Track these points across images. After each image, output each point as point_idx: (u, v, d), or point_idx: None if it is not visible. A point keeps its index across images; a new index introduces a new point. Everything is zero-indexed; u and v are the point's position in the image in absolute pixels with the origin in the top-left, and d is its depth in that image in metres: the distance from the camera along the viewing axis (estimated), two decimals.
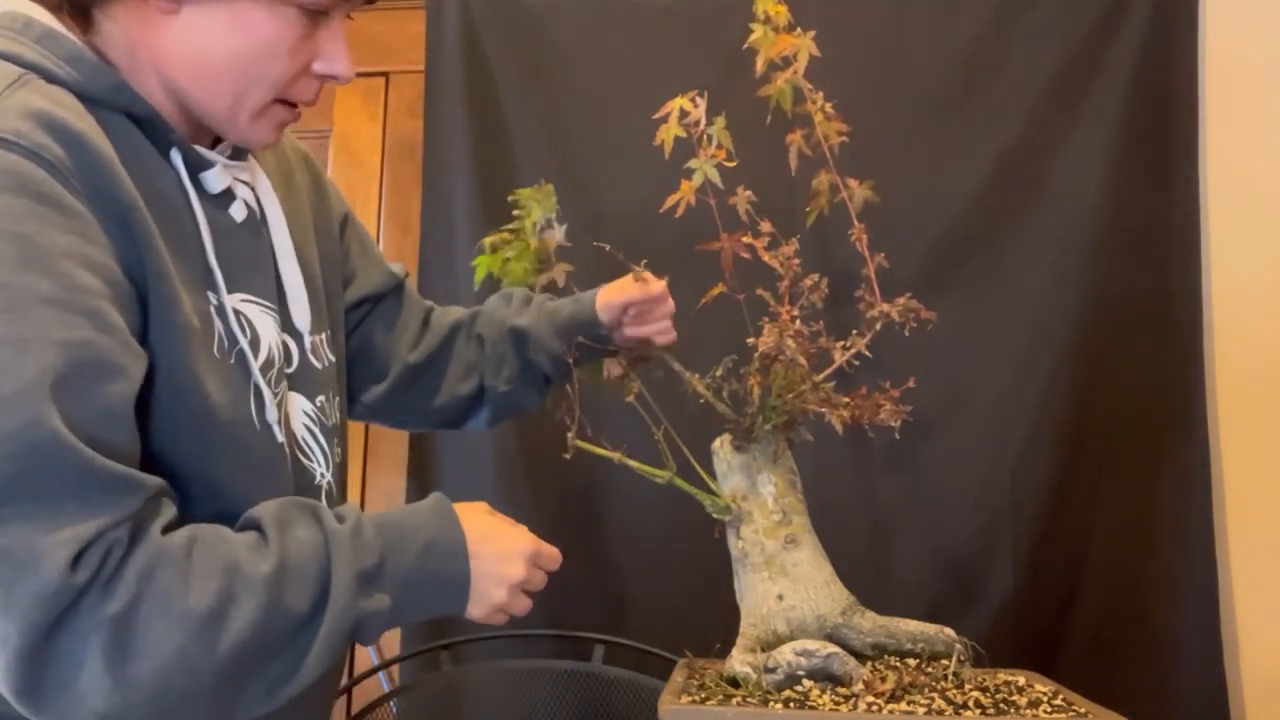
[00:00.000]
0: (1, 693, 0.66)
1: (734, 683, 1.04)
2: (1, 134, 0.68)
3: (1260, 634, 1.75)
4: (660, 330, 1.20)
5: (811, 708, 0.96)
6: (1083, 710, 0.98)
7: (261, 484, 0.83)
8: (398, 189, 2.17)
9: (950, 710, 0.95)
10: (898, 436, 1.21)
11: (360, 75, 2.37)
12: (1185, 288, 1.82)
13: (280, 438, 0.86)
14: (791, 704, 0.97)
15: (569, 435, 1.19)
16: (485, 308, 1.22)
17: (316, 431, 0.94)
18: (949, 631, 1.11)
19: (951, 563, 1.79)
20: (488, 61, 1.97)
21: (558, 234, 1.21)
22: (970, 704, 0.98)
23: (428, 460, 1.96)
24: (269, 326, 0.89)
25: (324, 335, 0.99)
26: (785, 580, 1.13)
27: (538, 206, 1.20)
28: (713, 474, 1.22)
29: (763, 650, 1.05)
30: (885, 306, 1.18)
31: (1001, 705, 0.99)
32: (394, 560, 0.80)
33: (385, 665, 1.85)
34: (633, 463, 1.19)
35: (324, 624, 0.74)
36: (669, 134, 1.21)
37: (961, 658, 1.07)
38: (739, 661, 1.05)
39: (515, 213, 1.21)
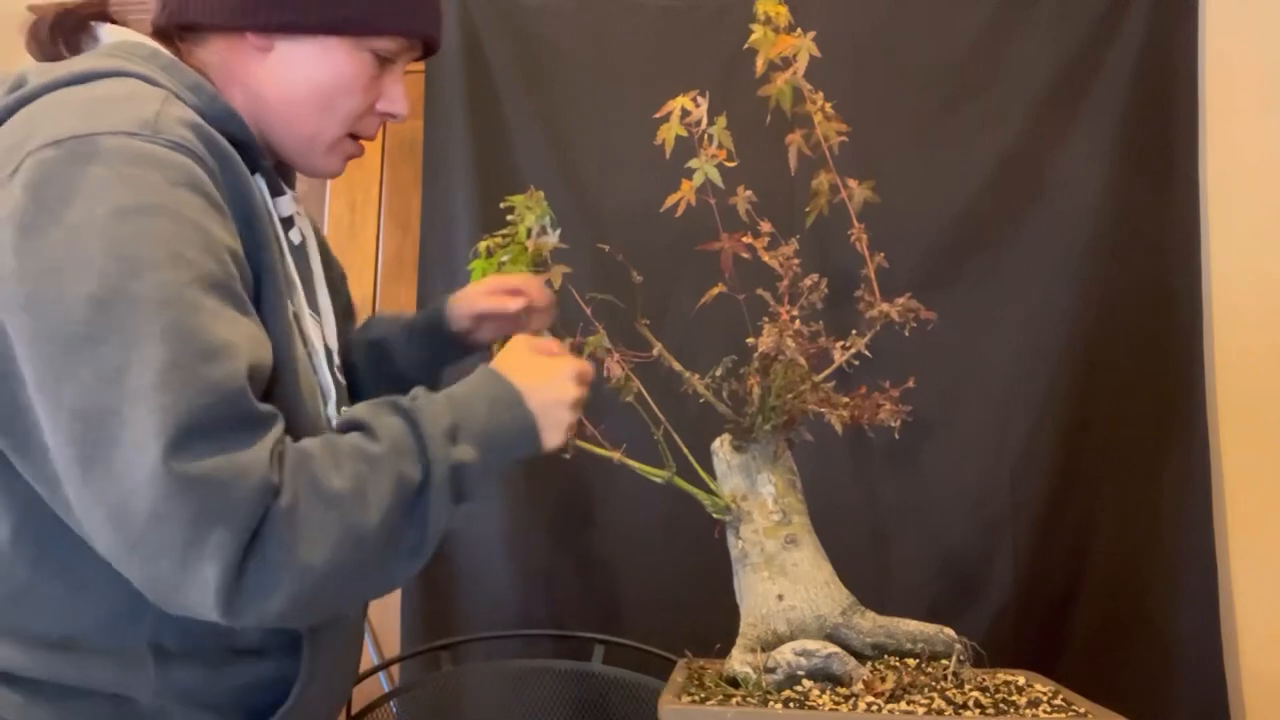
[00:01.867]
0: (207, 604, 0.73)
1: (734, 683, 1.05)
2: (173, 138, 0.78)
3: (1260, 634, 1.75)
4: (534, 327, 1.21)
5: (811, 708, 0.96)
6: (1083, 710, 0.98)
7: None
8: (398, 189, 2.17)
9: (950, 710, 0.95)
10: (897, 436, 1.21)
11: None
12: (1185, 287, 1.82)
13: None
14: (791, 704, 0.97)
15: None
16: (355, 331, 1.25)
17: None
18: (949, 631, 1.11)
19: (951, 563, 1.78)
20: (488, 61, 1.97)
21: (552, 238, 1.21)
22: (970, 704, 0.98)
23: None
24: (331, 333, 1.00)
25: (337, 357, 1.06)
26: (785, 580, 1.13)
27: (530, 213, 1.20)
28: (713, 474, 1.22)
29: (763, 650, 1.05)
30: (885, 306, 1.18)
31: (1001, 705, 0.99)
32: (466, 420, 0.87)
33: (385, 665, 1.85)
34: (633, 463, 1.20)
35: (432, 484, 0.82)
36: (670, 134, 1.21)
37: (961, 658, 1.07)
38: (739, 661, 1.05)
39: (509, 218, 1.22)
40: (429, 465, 0.83)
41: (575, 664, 1.73)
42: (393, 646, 1.95)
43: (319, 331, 0.98)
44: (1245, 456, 1.79)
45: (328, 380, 0.94)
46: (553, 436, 0.94)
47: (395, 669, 1.87)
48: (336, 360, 1.03)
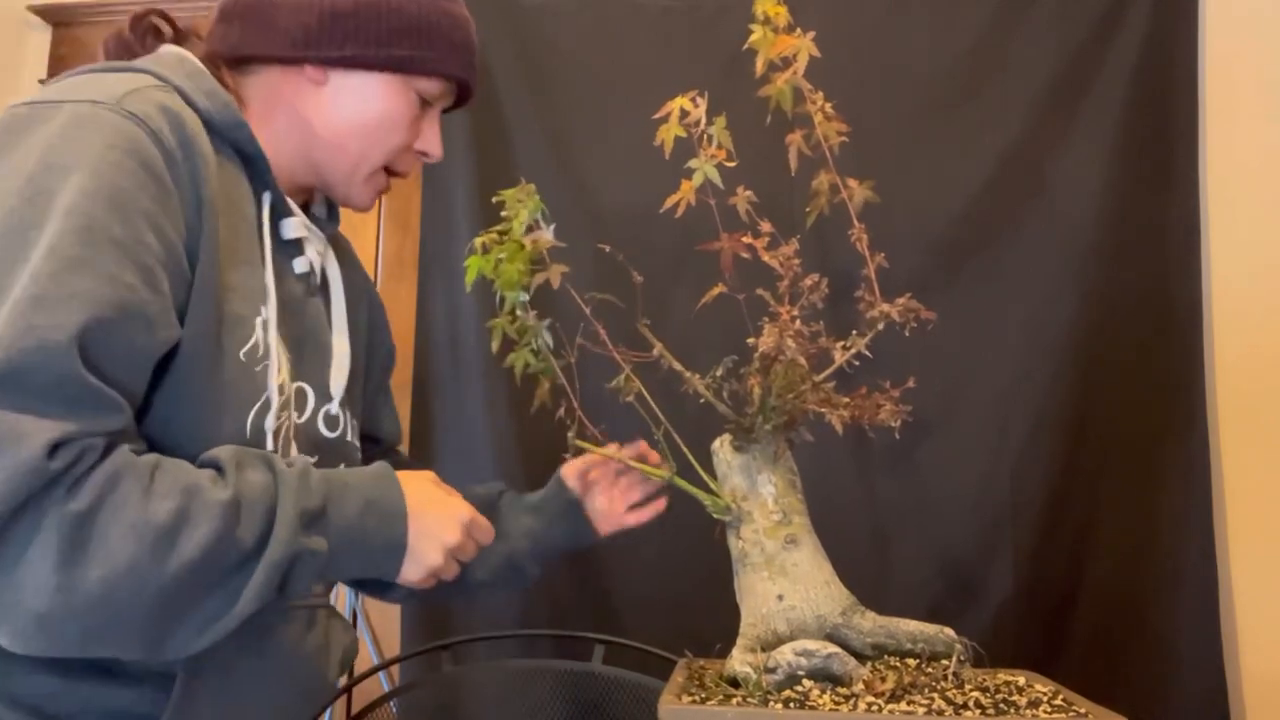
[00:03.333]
0: None
1: (734, 683, 1.04)
2: (133, 111, 0.80)
3: (1260, 634, 1.75)
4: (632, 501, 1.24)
5: (811, 708, 0.96)
6: (1083, 710, 0.98)
7: None
8: (398, 189, 2.15)
9: (950, 710, 0.95)
10: (898, 436, 1.21)
11: None
12: (1185, 288, 1.82)
13: (270, 443, 0.89)
14: (791, 704, 0.97)
15: (569, 435, 1.19)
16: None
17: (269, 434, 0.93)
18: (949, 631, 1.11)
19: (951, 563, 1.78)
20: (488, 62, 1.97)
21: (547, 234, 1.20)
22: (970, 704, 0.98)
23: (428, 462, 1.96)
24: (284, 365, 0.94)
25: (349, 415, 1.04)
26: (785, 580, 1.13)
27: (523, 207, 1.20)
28: (713, 474, 1.22)
29: (763, 650, 1.05)
30: (885, 306, 1.18)
31: (1001, 705, 0.99)
32: (335, 509, 0.84)
33: (385, 665, 1.85)
34: (633, 463, 1.19)
35: (265, 557, 0.76)
36: (669, 134, 1.20)
37: (961, 658, 1.07)
38: (739, 661, 1.05)
39: (503, 214, 1.21)
40: (266, 541, 0.77)
41: (575, 664, 1.73)
42: (393, 646, 1.95)
43: (289, 367, 0.94)
44: (1245, 456, 1.79)
45: (273, 392, 0.89)
46: (413, 570, 0.90)
47: (395, 669, 1.87)
48: (342, 415, 1.01)
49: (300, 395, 0.96)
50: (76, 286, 0.72)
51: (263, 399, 0.88)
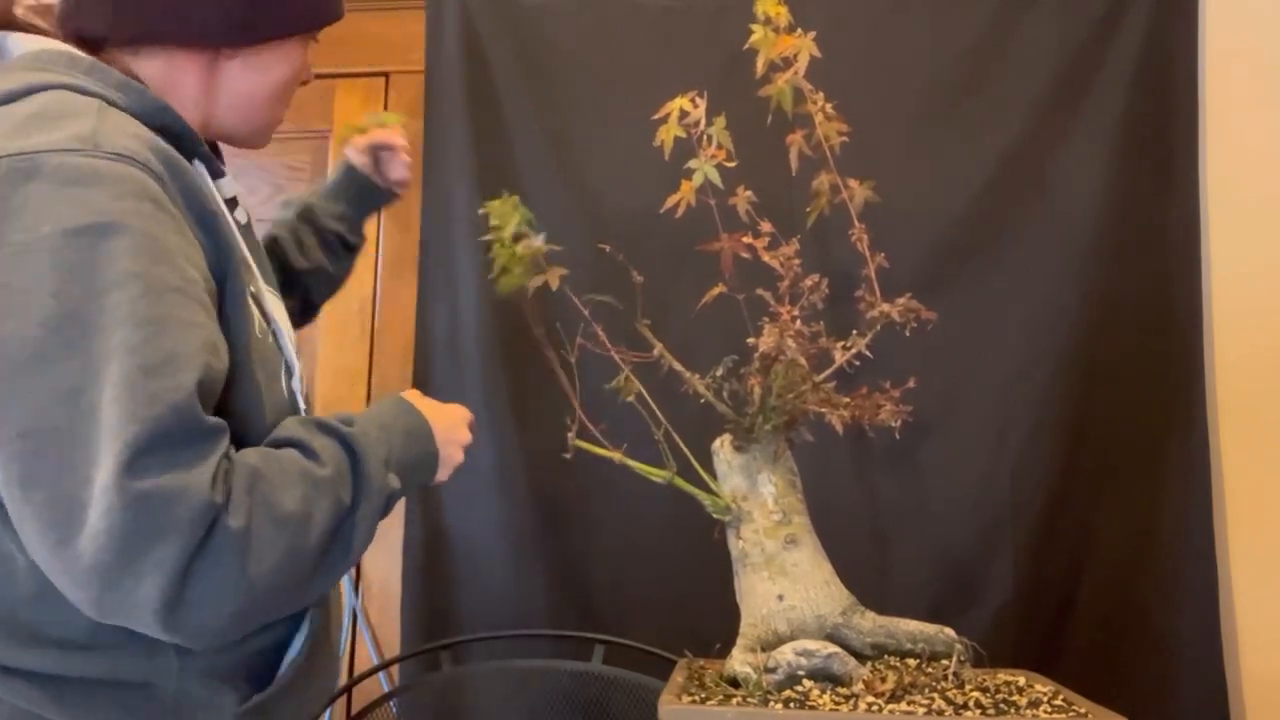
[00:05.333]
0: (145, 620, 0.74)
1: (734, 683, 1.04)
2: (118, 150, 0.79)
3: (1260, 634, 1.75)
4: (401, 166, 1.41)
5: (811, 708, 0.96)
6: (1083, 710, 0.98)
7: None
8: None
9: (950, 710, 0.95)
10: (898, 437, 1.21)
11: (360, 75, 2.37)
12: (1185, 288, 1.82)
13: (302, 405, 0.98)
14: (791, 704, 0.97)
15: (569, 435, 1.19)
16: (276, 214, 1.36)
17: (300, 396, 1.01)
18: (949, 631, 1.11)
19: (951, 563, 1.78)
20: (488, 61, 1.97)
21: (535, 241, 1.20)
22: (970, 704, 0.98)
23: None
24: (282, 309, 1.01)
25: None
26: (785, 580, 1.13)
27: (508, 220, 1.20)
28: (713, 474, 1.22)
29: (763, 650, 1.05)
30: (885, 306, 1.18)
31: (1001, 705, 0.99)
32: (393, 451, 0.94)
33: (385, 665, 1.85)
34: (633, 463, 1.19)
35: (362, 510, 0.87)
36: (669, 134, 1.21)
37: (961, 658, 1.07)
38: (739, 661, 1.05)
39: (492, 224, 1.22)
40: (364, 492, 0.87)
41: (575, 664, 1.73)
42: (393, 646, 1.95)
43: (282, 304, 1.02)
44: (1245, 456, 1.79)
45: (292, 355, 0.97)
46: (445, 471, 1.04)
47: (395, 669, 1.87)
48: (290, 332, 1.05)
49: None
50: (171, 346, 0.76)
51: (283, 365, 0.95)
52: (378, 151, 1.39)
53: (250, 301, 0.90)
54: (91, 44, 0.92)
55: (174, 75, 0.94)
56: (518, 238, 1.19)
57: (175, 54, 0.94)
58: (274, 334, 0.95)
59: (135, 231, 0.76)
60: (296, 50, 1.00)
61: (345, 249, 1.40)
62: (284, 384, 0.95)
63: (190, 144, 0.92)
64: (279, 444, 0.87)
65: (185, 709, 0.87)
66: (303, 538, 0.81)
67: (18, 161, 0.76)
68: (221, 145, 1.06)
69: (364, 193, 1.40)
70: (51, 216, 0.75)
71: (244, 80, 0.97)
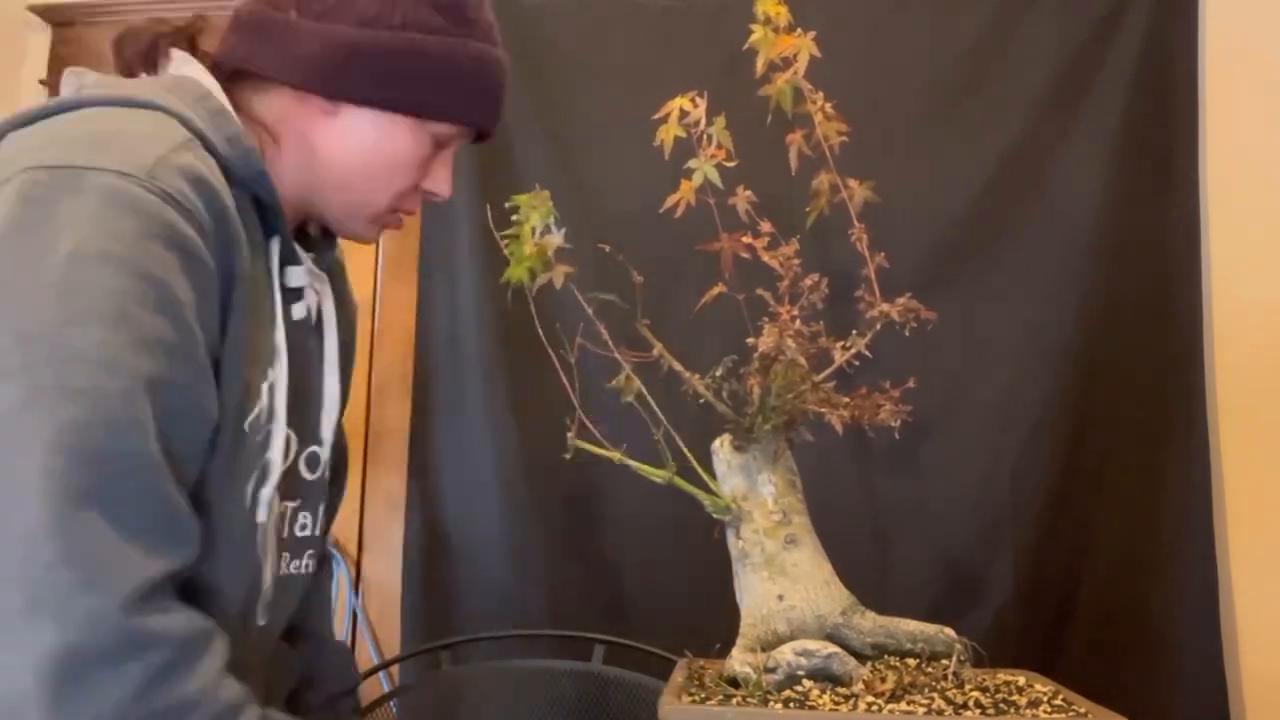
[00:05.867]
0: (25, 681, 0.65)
1: (734, 683, 1.04)
2: (166, 188, 0.74)
3: (1260, 634, 1.75)
4: None
5: (811, 708, 0.96)
6: (1083, 710, 0.98)
7: (228, 558, 0.84)
8: None
9: (950, 710, 0.95)
10: (897, 436, 1.21)
11: None
12: (1185, 288, 1.82)
13: (262, 518, 0.87)
14: (791, 704, 0.97)
15: (569, 435, 1.19)
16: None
17: (273, 534, 0.91)
18: (949, 631, 1.11)
19: (951, 563, 1.78)
20: None
21: (557, 238, 1.21)
22: (970, 704, 0.98)
23: (428, 461, 1.96)
24: (280, 416, 0.92)
25: (327, 451, 1.00)
26: (785, 580, 1.13)
27: (535, 212, 1.20)
28: (713, 474, 1.22)
29: (763, 650, 1.05)
30: (885, 306, 1.18)
31: (1001, 705, 0.99)
32: None
33: (385, 665, 1.85)
34: (633, 463, 1.19)
35: None
36: (669, 134, 1.21)
37: (961, 658, 1.07)
38: (739, 661, 1.05)
39: (514, 218, 1.21)
40: None
41: (575, 664, 1.73)
42: (393, 646, 1.95)
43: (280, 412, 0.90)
44: (1245, 456, 1.79)
45: (273, 461, 0.87)
46: None
47: (395, 669, 1.87)
48: (323, 454, 0.98)
49: (287, 442, 0.92)
50: (145, 402, 0.70)
51: (260, 467, 0.85)
52: None
53: (246, 386, 0.82)
54: (227, 73, 0.90)
55: (282, 120, 0.90)
56: (539, 233, 1.19)
57: (284, 96, 0.90)
58: (270, 433, 0.86)
59: (144, 275, 0.72)
60: (408, 135, 0.92)
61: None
62: (249, 487, 0.84)
63: (272, 218, 0.88)
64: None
65: None
66: None
67: (69, 176, 0.73)
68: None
69: None
70: (71, 235, 0.71)
71: (342, 144, 0.91)
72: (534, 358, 1.38)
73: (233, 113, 0.86)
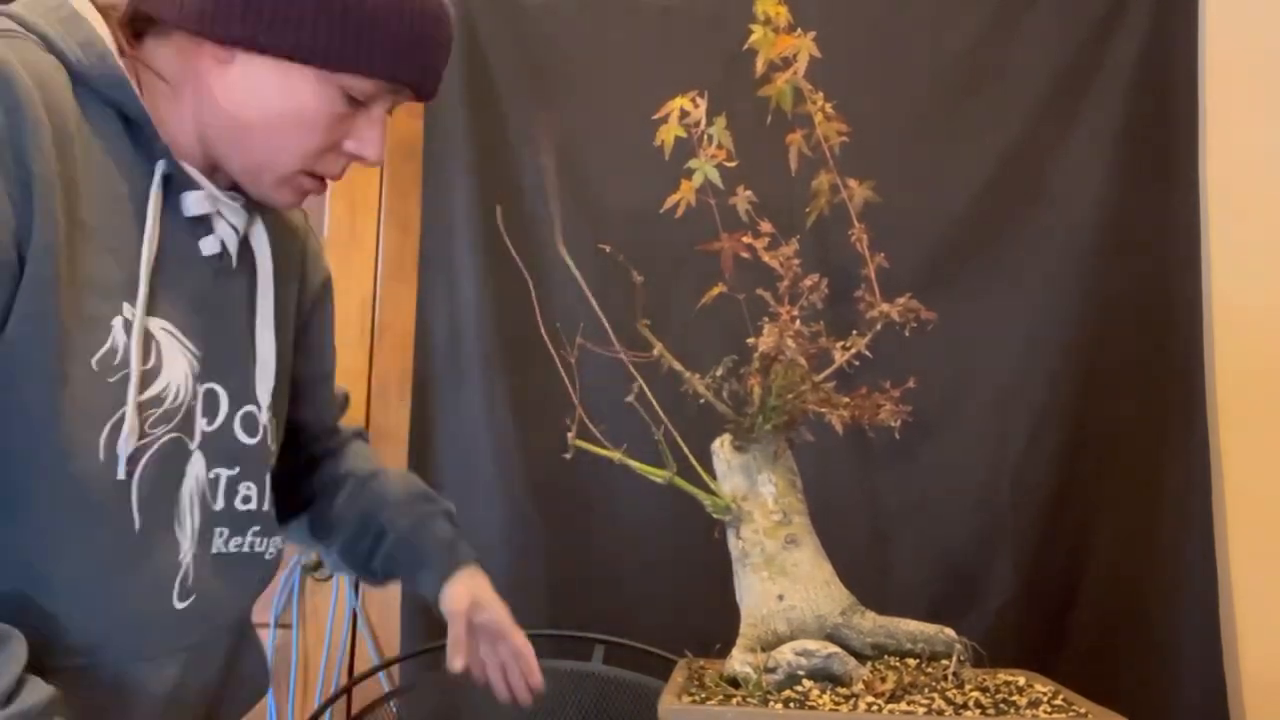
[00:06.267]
0: None
1: (734, 683, 1.04)
2: None
3: (1260, 634, 1.75)
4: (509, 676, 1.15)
5: (811, 708, 0.96)
6: (1083, 710, 0.98)
7: (78, 518, 0.77)
8: (398, 189, 2.17)
9: (950, 710, 0.95)
10: (897, 436, 1.21)
11: None
12: (1185, 288, 1.82)
13: (121, 475, 0.78)
14: (791, 704, 0.97)
15: (569, 435, 1.19)
16: (387, 492, 1.15)
17: (196, 504, 0.85)
18: (949, 631, 1.11)
19: (951, 563, 1.78)
20: (488, 61, 1.97)
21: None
22: (970, 704, 0.98)
23: (428, 461, 1.96)
24: (180, 365, 0.84)
25: (270, 416, 0.94)
26: (785, 580, 1.13)
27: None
28: (713, 474, 1.22)
29: (763, 650, 1.05)
30: (885, 307, 1.18)
31: (1001, 705, 0.99)
32: None
33: (385, 665, 1.85)
34: (633, 463, 1.19)
35: None
36: (669, 134, 1.21)
37: (961, 658, 1.07)
38: (739, 661, 1.05)
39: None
40: None
41: (575, 664, 1.73)
42: (393, 646, 1.95)
43: (187, 361, 0.84)
44: (1245, 456, 1.79)
45: (129, 408, 0.78)
46: None
47: (395, 669, 1.87)
48: (261, 417, 0.91)
49: (210, 398, 0.85)
50: None
51: (116, 415, 0.77)
52: (485, 634, 1.13)
53: (78, 315, 0.75)
54: (129, 20, 0.84)
55: (181, 66, 0.83)
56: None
57: (182, 40, 0.83)
58: (126, 377, 0.78)
59: None
60: (310, 87, 0.82)
61: (365, 577, 1.19)
62: (101, 437, 0.76)
63: (147, 136, 0.81)
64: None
65: None
66: None
67: None
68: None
69: (419, 591, 1.15)
70: None
71: (235, 95, 0.82)
72: (534, 358, 1.38)
73: (91, 22, 0.80)
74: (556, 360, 1.24)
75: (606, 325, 1.25)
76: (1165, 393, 1.80)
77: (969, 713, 0.95)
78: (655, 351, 1.23)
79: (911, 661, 1.09)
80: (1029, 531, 1.77)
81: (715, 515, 1.19)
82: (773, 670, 1.02)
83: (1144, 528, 1.78)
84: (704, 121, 1.20)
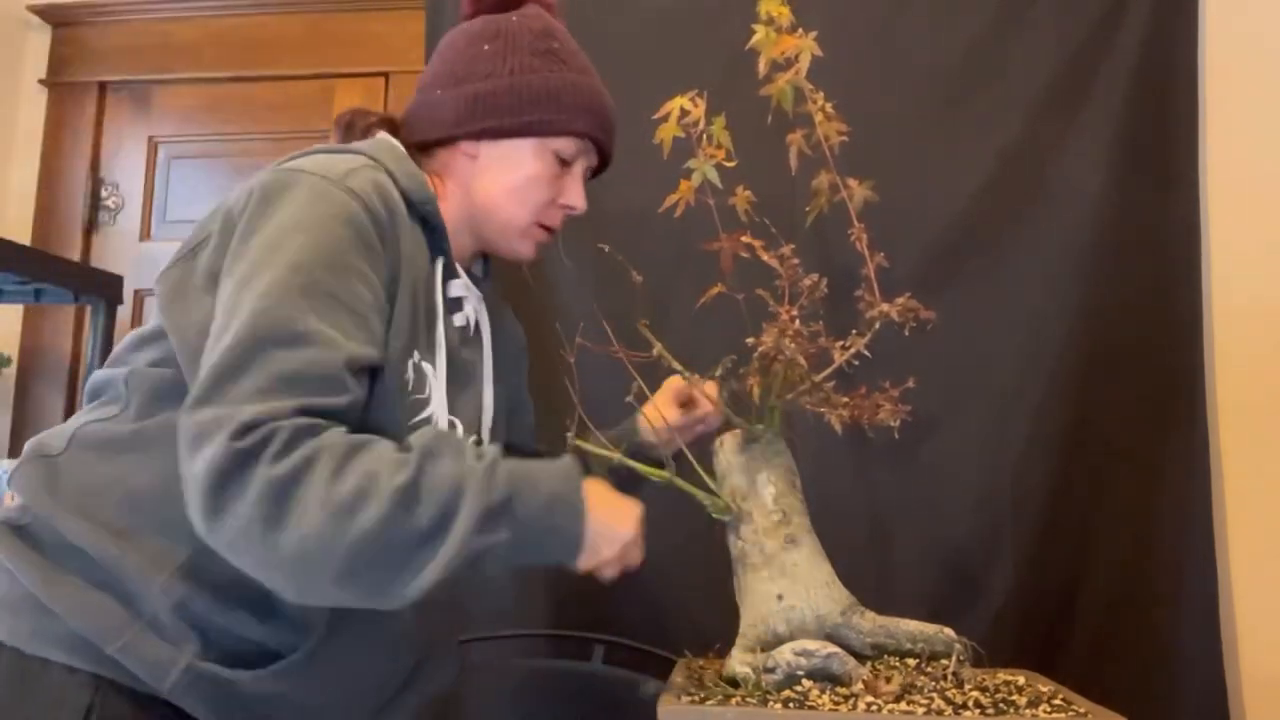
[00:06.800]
0: (193, 500, 0.86)
1: (734, 683, 1.05)
2: (351, 188, 1.00)
3: (1260, 634, 1.75)
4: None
5: (811, 708, 0.96)
6: (1083, 710, 0.98)
7: None
8: None
9: (950, 710, 0.95)
10: (897, 436, 1.21)
11: (360, 75, 2.37)
12: (1185, 287, 1.81)
13: None
14: (791, 704, 0.97)
15: (569, 435, 1.19)
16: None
17: None
18: (949, 631, 1.11)
19: (951, 563, 1.78)
20: None
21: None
22: (970, 704, 0.98)
23: None
24: (438, 399, 1.09)
25: (490, 441, 1.17)
26: (785, 580, 1.13)
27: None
28: (713, 474, 1.22)
29: (762, 650, 1.05)
30: (885, 306, 1.18)
31: (1001, 705, 0.99)
32: (520, 501, 0.93)
33: None
34: (633, 462, 1.19)
35: (445, 545, 0.88)
36: (668, 134, 1.21)
37: (961, 658, 1.07)
38: (739, 661, 1.05)
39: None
40: (449, 529, 0.88)
41: (575, 664, 1.73)
42: None
43: (441, 399, 1.09)
44: (1245, 456, 1.79)
45: (437, 411, 1.07)
46: (588, 559, 1.01)
47: None
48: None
49: (451, 427, 1.10)
50: (312, 326, 0.91)
51: (423, 415, 1.05)
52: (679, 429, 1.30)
53: (409, 363, 1.03)
54: (419, 148, 1.17)
55: (446, 174, 1.17)
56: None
57: (445, 155, 1.17)
58: (412, 409, 1.04)
59: (322, 244, 0.95)
60: (534, 155, 1.15)
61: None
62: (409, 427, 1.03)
63: (439, 240, 1.11)
64: (405, 445, 0.93)
65: (150, 632, 0.95)
66: (339, 526, 0.84)
67: (291, 174, 1.01)
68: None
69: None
70: (288, 212, 0.97)
71: (486, 178, 1.16)
72: (534, 358, 1.38)
73: (410, 160, 1.13)
74: (556, 360, 1.24)
75: (606, 325, 1.25)
76: (1165, 393, 1.79)
77: (968, 713, 0.95)
78: (655, 351, 1.23)
79: (911, 661, 1.09)
80: (1029, 531, 1.77)
81: (715, 515, 1.19)
82: (772, 670, 1.02)
83: (1144, 528, 1.77)
84: (703, 121, 1.20)
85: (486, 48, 1.17)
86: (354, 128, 1.21)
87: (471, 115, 1.15)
